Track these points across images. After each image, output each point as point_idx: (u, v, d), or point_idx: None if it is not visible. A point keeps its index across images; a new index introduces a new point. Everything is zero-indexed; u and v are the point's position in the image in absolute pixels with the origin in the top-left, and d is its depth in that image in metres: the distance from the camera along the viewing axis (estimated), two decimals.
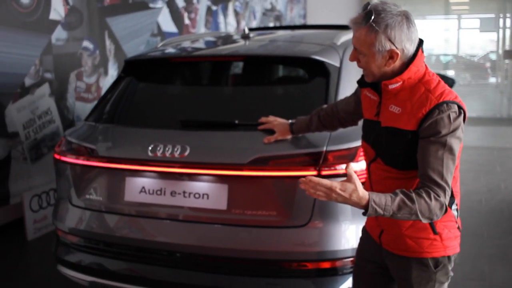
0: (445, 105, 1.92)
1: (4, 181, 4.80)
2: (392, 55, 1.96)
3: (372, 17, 1.92)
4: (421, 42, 2.05)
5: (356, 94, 2.49)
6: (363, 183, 2.28)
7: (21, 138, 4.95)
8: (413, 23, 1.97)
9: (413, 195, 1.88)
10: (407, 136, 1.97)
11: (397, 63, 1.99)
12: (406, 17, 1.95)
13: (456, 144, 1.94)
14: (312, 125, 2.67)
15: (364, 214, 1.88)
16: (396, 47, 1.95)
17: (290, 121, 2.76)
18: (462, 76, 13.56)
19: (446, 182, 1.92)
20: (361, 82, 2.18)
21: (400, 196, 1.87)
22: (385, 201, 1.85)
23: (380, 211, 1.85)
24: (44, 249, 4.62)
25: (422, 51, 2.05)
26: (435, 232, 2.06)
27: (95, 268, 3.08)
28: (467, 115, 1.99)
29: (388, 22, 1.92)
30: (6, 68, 4.72)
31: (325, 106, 2.69)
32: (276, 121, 2.79)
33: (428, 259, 2.08)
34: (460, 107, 1.95)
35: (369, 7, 1.95)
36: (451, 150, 1.93)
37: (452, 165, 1.94)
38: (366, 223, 2.35)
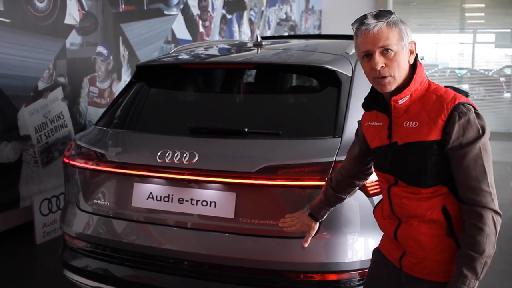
0: (461, 106, 1.88)
1: (14, 184, 4.81)
2: (412, 47, 1.96)
3: (392, 15, 1.93)
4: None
5: (357, 136, 2.35)
6: (376, 205, 2.25)
7: (33, 141, 4.97)
8: None
9: (473, 239, 1.86)
10: (432, 147, 1.89)
11: (407, 67, 1.96)
12: None
13: (488, 143, 1.89)
14: (330, 199, 2.45)
15: None
16: (411, 40, 1.97)
17: (307, 211, 2.51)
18: (476, 90, 13.47)
19: (492, 186, 1.88)
20: (367, 105, 2.13)
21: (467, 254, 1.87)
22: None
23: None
24: (52, 253, 4.62)
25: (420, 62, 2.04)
26: None
27: (101, 274, 3.07)
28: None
29: (397, 18, 1.95)
30: (20, 72, 4.75)
31: (330, 176, 2.49)
32: (297, 220, 2.52)
33: None
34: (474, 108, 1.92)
35: (375, 12, 1.95)
36: (487, 151, 1.88)
37: (491, 165, 1.89)
38: (382, 245, 2.25)
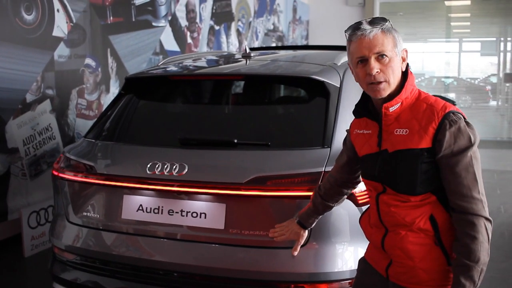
0: (452, 114, 1.91)
1: (2, 197, 4.78)
2: (404, 54, 2.00)
3: (386, 22, 1.96)
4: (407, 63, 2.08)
5: (345, 145, 2.37)
6: (364, 212, 2.26)
7: (21, 154, 4.94)
8: None
9: (467, 249, 1.87)
10: (422, 154, 1.91)
11: (400, 74, 1.99)
12: None
13: (478, 151, 1.93)
14: (318, 207, 2.48)
15: None
16: (404, 48, 2.01)
17: (296, 219, 2.55)
18: (463, 99, 13.57)
19: (483, 194, 1.91)
20: (357, 112, 2.14)
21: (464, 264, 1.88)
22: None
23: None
24: (40, 266, 4.59)
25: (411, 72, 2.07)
26: (449, 263, 1.96)
27: (91, 287, 3.05)
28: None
29: (391, 26, 1.98)
30: (8, 84, 4.72)
31: (318, 185, 2.53)
32: (286, 228, 2.56)
33: None
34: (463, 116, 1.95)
35: (369, 19, 1.98)
36: (477, 159, 1.91)
37: (481, 172, 1.92)
38: (367, 254, 2.25)
